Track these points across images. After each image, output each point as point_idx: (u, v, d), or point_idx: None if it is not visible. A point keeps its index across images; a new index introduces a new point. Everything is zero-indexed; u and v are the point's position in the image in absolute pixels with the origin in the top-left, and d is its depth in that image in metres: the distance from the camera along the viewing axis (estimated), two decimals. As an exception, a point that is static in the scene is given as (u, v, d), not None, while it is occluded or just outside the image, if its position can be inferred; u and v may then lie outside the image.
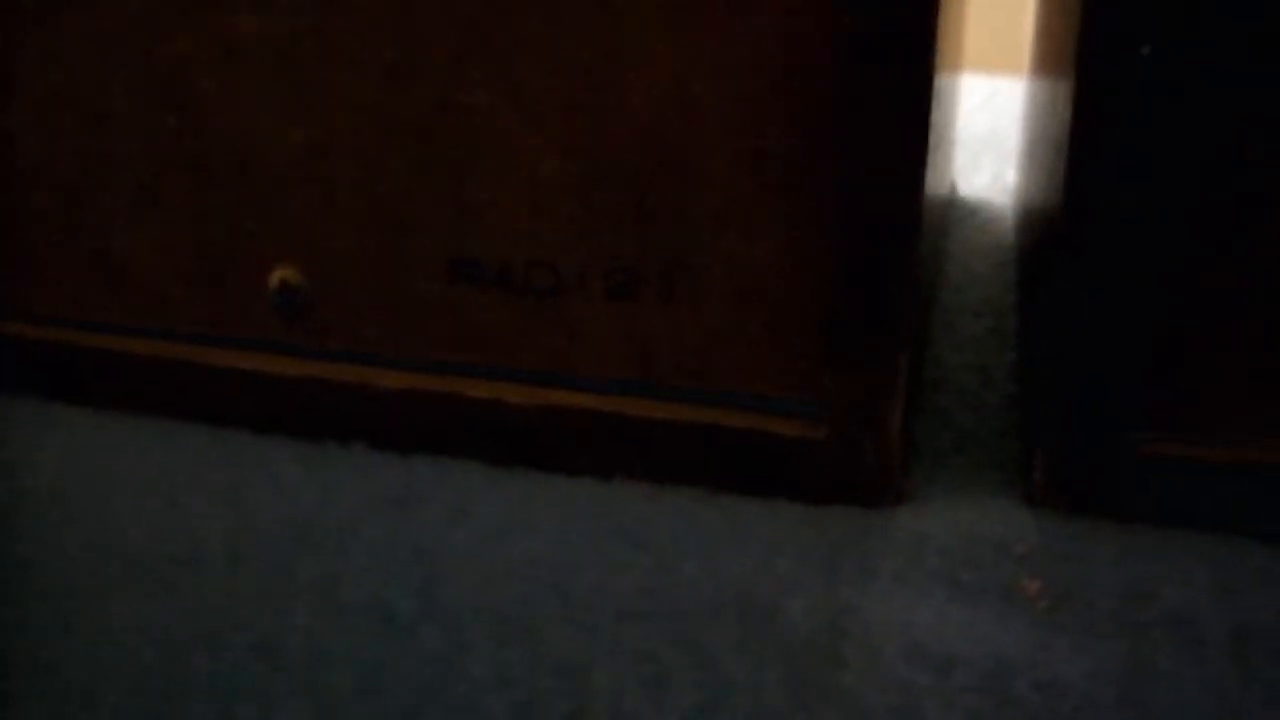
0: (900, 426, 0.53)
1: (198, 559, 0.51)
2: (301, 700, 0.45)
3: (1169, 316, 0.51)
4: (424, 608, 0.49)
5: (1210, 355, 0.51)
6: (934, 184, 0.56)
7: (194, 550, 0.52)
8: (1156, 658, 0.46)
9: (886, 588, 0.50)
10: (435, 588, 0.50)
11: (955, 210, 0.79)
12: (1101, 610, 0.48)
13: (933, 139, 0.51)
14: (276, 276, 0.58)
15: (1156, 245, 0.50)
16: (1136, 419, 0.52)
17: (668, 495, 0.55)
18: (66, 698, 0.45)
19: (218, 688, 0.45)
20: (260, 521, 0.53)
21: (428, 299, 0.57)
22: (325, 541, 0.52)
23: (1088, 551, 0.51)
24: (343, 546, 0.52)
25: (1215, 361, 0.51)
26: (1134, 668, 0.46)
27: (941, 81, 0.53)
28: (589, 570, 0.50)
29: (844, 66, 0.49)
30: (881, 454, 0.53)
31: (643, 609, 0.49)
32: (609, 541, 0.52)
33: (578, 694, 0.45)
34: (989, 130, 0.92)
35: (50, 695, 0.45)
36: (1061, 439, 0.53)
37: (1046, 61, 0.66)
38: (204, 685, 0.46)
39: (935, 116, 0.51)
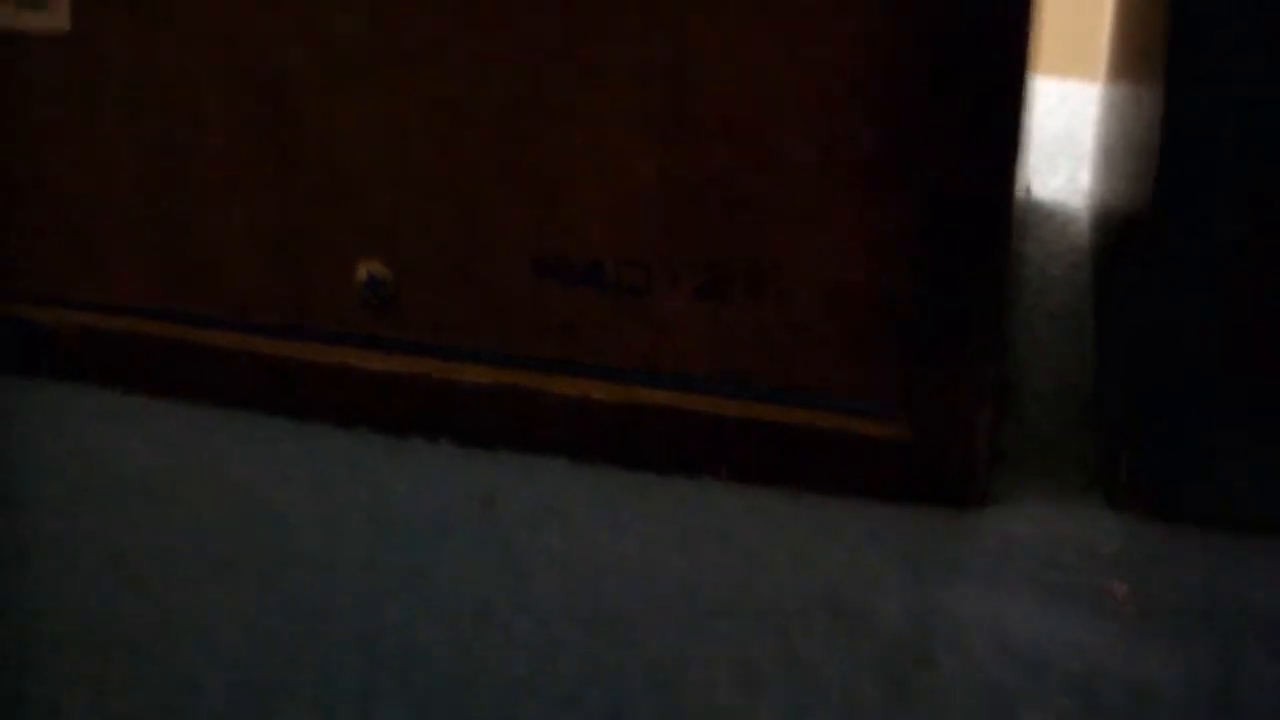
0: (986, 428, 0.53)
1: (291, 553, 0.52)
2: (399, 693, 0.46)
3: (1256, 319, 0.51)
4: (516, 603, 0.49)
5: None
6: (1014, 186, 0.56)
7: (287, 544, 0.53)
8: (1246, 660, 0.46)
9: (975, 589, 0.50)
10: (526, 584, 0.50)
11: (1031, 213, 0.79)
12: (1190, 613, 0.49)
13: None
14: (364, 270, 0.59)
15: (1245, 247, 0.50)
16: (1223, 422, 0.52)
17: (754, 494, 0.55)
18: (170, 687, 0.46)
19: (316, 680, 0.46)
20: (351, 516, 0.54)
21: (515, 295, 0.57)
22: (416, 537, 0.53)
23: (1175, 555, 0.52)
24: (434, 542, 0.53)
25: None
26: (1224, 671, 0.46)
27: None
28: (679, 568, 0.51)
29: (933, 66, 0.49)
30: (967, 455, 0.53)
31: (733, 606, 0.49)
32: (697, 540, 0.52)
33: (671, 690, 0.46)
34: (1063, 133, 0.92)
35: (154, 685, 0.46)
36: (1147, 442, 0.53)
37: (1127, 65, 0.66)
38: (303, 678, 0.46)
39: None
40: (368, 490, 0.56)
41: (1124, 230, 0.58)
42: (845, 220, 0.53)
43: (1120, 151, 0.64)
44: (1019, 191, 0.63)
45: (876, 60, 0.51)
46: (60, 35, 0.60)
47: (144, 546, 0.52)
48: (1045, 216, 0.79)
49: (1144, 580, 0.50)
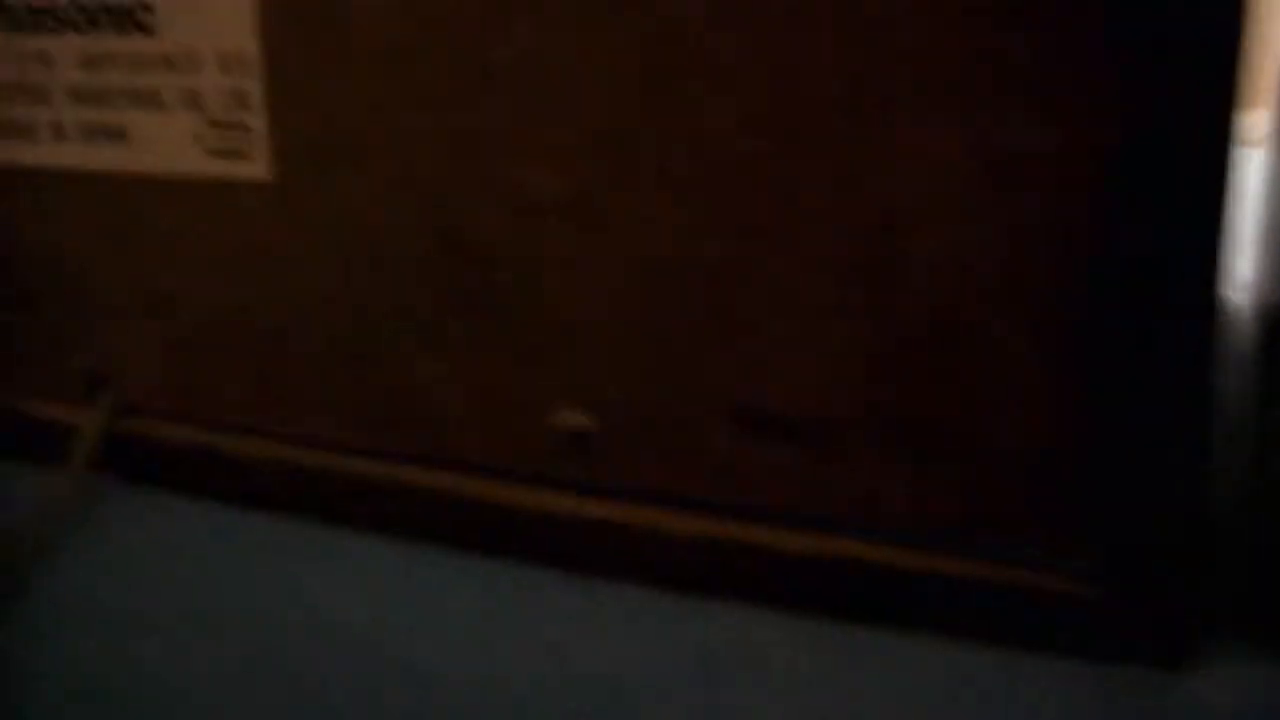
0: (1184, 584, 0.54)
1: (522, 714, 0.54)
2: None
3: None
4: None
5: None
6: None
7: (516, 703, 0.55)
8: None
9: (1178, 757, 0.51)
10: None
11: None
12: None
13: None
14: (564, 417, 0.61)
15: None
16: None
17: (949, 650, 0.56)
18: None
19: None
20: (574, 671, 0.56)
21: (714, 445, 0.59)
22: (626, 691, 0.55)
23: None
24: (642, 696, 0.55)
25: None
26: None
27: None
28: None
29: (1128, 254, 0.51)
30: (1164, 613, 0.55)
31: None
32: (902, 698, 0.54)
33: None
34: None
35: None
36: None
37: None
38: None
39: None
40: (569, 637, 0.58)
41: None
42: (1044, 388, 0.54)
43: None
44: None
45: (1082, 249, 0.52)
46: (261, 183, 0.63)
47: (349, 699, 0.54)
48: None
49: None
